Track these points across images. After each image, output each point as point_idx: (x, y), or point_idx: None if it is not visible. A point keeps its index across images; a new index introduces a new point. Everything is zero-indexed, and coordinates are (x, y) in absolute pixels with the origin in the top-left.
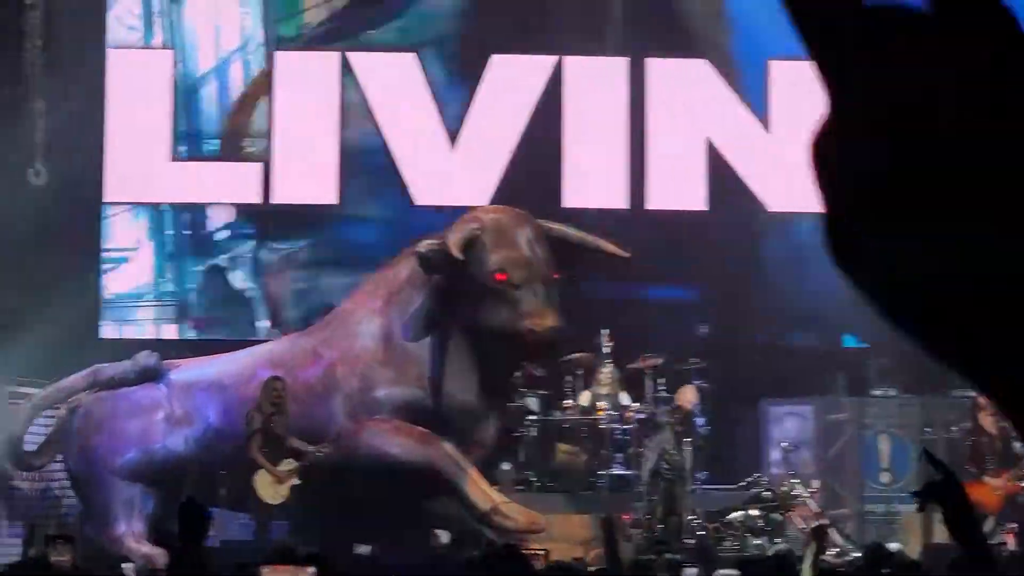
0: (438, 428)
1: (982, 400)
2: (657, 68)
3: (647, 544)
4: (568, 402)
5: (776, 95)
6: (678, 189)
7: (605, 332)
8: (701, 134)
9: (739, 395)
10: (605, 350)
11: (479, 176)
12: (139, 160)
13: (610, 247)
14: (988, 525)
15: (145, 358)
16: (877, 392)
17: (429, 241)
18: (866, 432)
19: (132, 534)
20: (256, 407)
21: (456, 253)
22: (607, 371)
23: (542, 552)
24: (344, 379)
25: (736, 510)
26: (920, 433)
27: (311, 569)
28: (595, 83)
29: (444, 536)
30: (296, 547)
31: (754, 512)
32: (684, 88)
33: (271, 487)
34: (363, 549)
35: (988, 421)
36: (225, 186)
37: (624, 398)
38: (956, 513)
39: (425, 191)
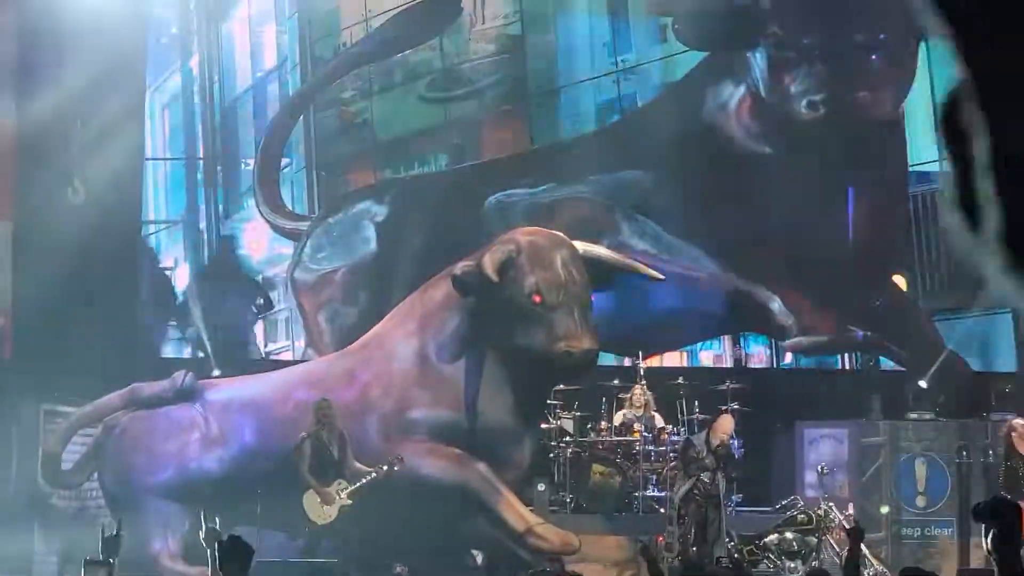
0: (473, 449)
1: (1016, 422)
2: None
3: (680, 567)
4: (602, 423)
5: None
6: None
7: (640, 353)
8: None
9: (775, 417)
10: (640, 371)
11: None
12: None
13: (646, 269)
14: None
15: (182, 378)
16: (913, 415)
17: (465, 263)
18: (902, 455)
19: (168, 553)
20: (307, 429)
21: (492, 275)
22: (641, 392)
23: None
24: (379, 400)
25: (771, 533)
26: (956, 456)
27: None
28: None
29: (479, 556)
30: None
31: (789, 535)
32: None
33: (320, 507)
34: (400, 569)
35: (1020, 444)
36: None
37: (659, 419)
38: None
39: None
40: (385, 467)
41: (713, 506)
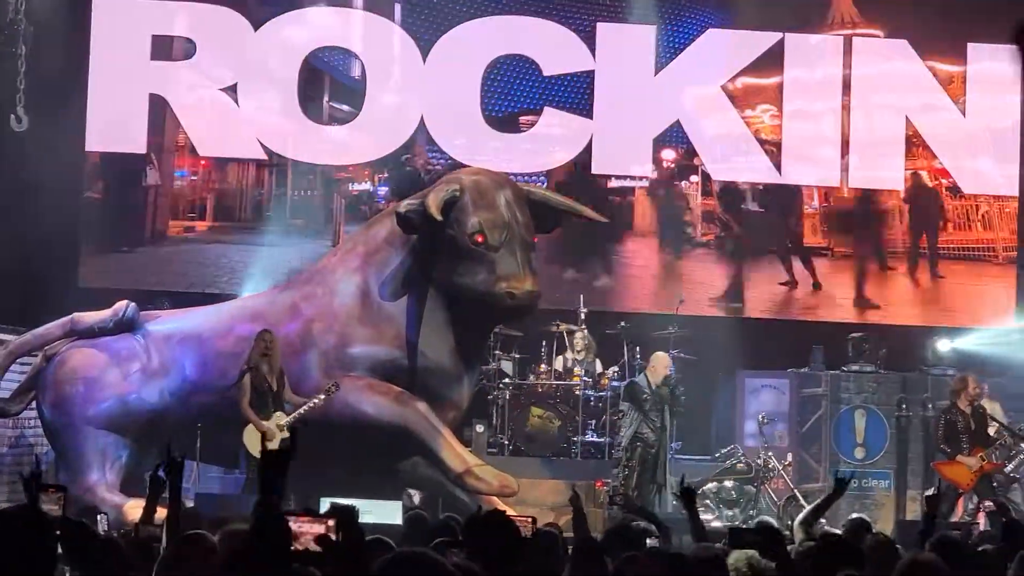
0: (413, 388)
1: (971, 380)
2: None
3: (619, 511)
4: (542, 367)
5: None
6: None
7: (581, 298)
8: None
9: (717, 365)
10: (581, 316)
11: None
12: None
13: (589, 212)
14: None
15: (123, 308)
16: (854, 367)
17: (409, 201)
18: (842, 407)
19: (105, 483)
20: (246, 361)
21: (435, 213)
22: (582, 337)
23: (529, 519)
24: (321, 335)
25: (710, 481)
26: (896, 409)
27: (331, 522)
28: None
29: (416, 496)
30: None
31: (728, 483)
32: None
33: (260, 442)
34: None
35: (964, 401)
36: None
37: (599, 365)
38: None
39: None
40: (322, 395)
41: (661, 447)
